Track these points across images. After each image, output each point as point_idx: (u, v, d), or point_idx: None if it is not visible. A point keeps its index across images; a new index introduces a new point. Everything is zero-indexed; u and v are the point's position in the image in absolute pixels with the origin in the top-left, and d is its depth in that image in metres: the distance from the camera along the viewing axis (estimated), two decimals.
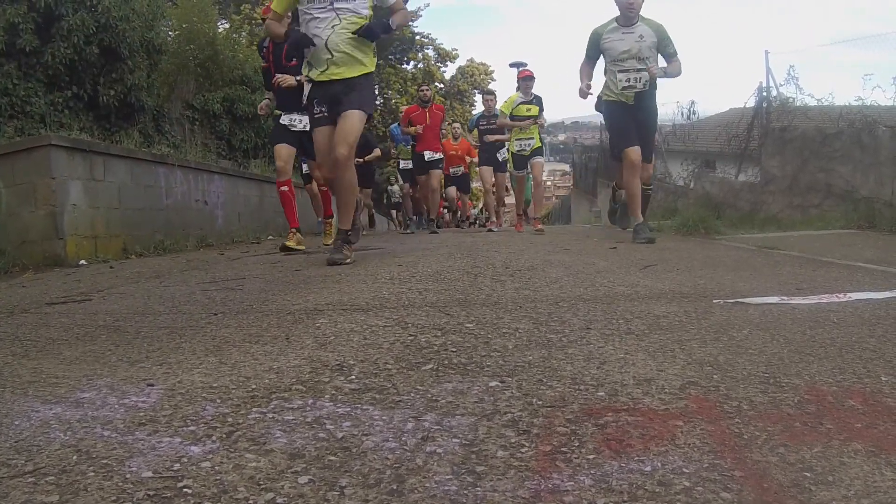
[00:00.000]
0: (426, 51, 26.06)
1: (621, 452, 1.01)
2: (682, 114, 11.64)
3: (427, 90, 8.49)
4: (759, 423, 1.12)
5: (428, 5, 51.89)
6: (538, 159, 7.36)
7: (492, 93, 8.86)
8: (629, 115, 4.98)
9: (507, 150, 7.46)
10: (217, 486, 0.93)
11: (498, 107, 8.19)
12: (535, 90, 8.37)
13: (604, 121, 7.02)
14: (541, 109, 7.29)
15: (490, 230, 7.70)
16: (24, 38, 5.79)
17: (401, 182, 10.78)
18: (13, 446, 1.10)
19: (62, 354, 1.79)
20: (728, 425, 1.11)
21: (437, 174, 8.49)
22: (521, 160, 7.29)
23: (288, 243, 4.91)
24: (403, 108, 25.69)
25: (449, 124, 10.59)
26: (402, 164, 10.13)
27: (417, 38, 25.49)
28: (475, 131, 8.91)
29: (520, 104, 7.15)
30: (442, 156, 8.58)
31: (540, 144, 7.34)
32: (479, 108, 11.14)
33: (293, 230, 5.09)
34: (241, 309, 2.38)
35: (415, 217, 11.29)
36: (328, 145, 3.65)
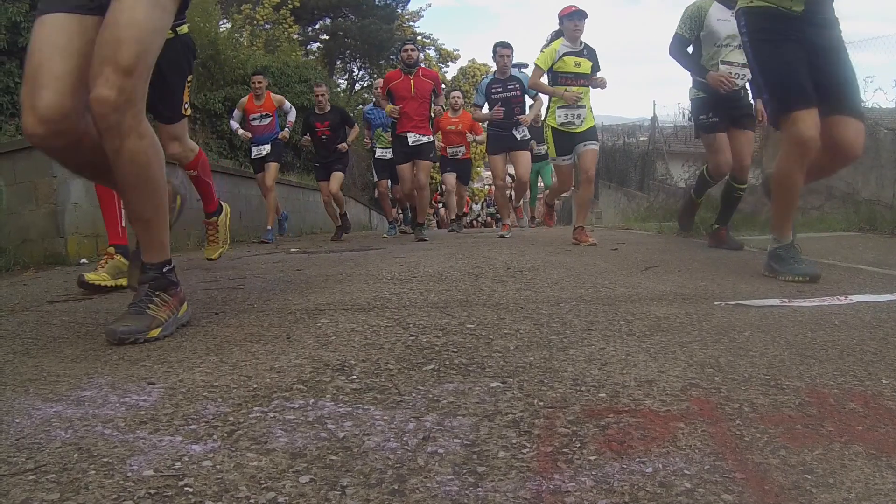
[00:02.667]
0: (427, 51, 26.09)
1: (622, 454, 1.01)
2: (684, 115, 11.66)
3: (413, 50, 6.19)
4: (761, 424, 1.12)
5: (429, 6, 51.93)
6: (593, 146, 4.91)
7: (508, 46, 6.19)
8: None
9: (546, 124, 5.07)
10: (218, 484, 0.93)
11: (528, 70, 5.88)
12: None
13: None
14: (595, 65, 4.90)
15: (501, 235, 6.08)
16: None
17: (375, 178, 8.26)
18: (14, 444, 1.10)
19: (63, 353, 1.79)
20: (729, 427, 1.11)
21: (426, 166, 6.24)
22: (566, 140, 4.89)
23: (89, 276, 2.91)
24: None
25: (448, 93, 8.29)
26: (379, 154, 7.77)
27: (419, 38, 25.51)
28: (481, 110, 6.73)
29: (565, 56, 4.80)
30: (432, 139, 6.33)
31: (594, 122, 4.98)
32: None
33: (110, 250, 3.10)
34: (242, 308, 2.38)
35: (400, 214, 9.14)
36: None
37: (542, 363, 1.51)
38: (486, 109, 6.48)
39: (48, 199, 4.60)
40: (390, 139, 6.85)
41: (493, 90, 6.20)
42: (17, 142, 4.82)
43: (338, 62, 22.70)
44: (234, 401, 1.30)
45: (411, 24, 24.91)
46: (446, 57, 26.33)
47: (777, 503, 0.85)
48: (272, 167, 6.97)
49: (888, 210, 5.66)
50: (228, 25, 13.61)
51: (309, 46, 21.31)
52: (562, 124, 4.85)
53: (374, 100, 8.26)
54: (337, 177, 7.22)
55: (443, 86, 8.34)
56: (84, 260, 4.59)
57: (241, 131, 6.96)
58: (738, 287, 2.57)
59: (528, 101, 6.35)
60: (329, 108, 7.22)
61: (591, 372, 1.43)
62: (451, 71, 26.45)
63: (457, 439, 1.08)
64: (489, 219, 20.95)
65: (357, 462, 1.00)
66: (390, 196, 8.11)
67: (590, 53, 4.91)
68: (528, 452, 1.02)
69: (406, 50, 6.23)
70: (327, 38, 22.29)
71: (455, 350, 1.65)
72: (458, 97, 8.31)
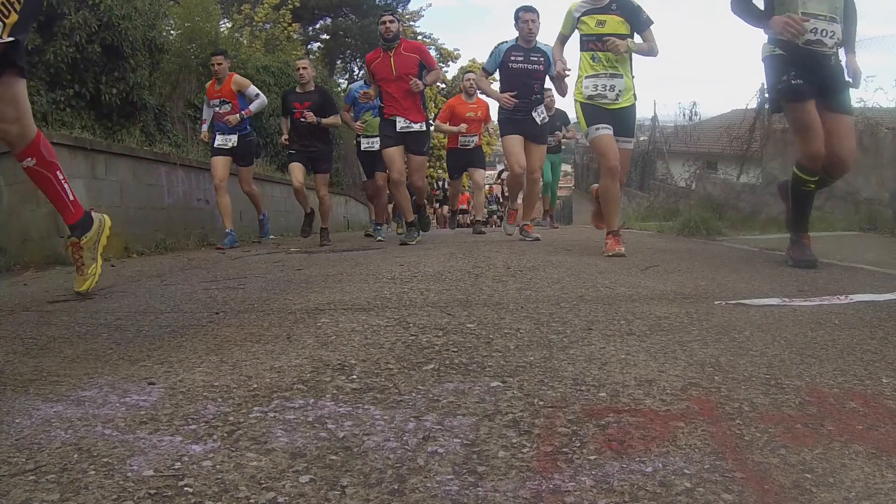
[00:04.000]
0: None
1: (622, 453, 1.01)
2: (684, 115, 11.66)
3: (391, 21, 5.13)
4: (761, 424, 1.12)
5: (430, 5, 51.94)
6: (626, 145, 4.02)
7: (533, 10, 5.03)
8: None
9: (577, 96, 3.93)
10: (218, 484, 0.93)
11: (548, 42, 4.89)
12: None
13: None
14: (637, 25, 3.88)
15: (524, 237, 5.33)
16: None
17: (363, 176, 6.94)
18: (14, 444, 1.10)
19: (63, 353, 1.79)
20: (729, 426, 1.11)
21: (419, 164, 5.39)
22: (598, 114, 3.79)
23: (81, 288, 2.77)
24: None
25: (464, 73, 7.34)
26: (365, 145, 6.43)
27: (419, 38, 25.52)
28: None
29: (588, 14, 3.84)
30: (425, 128, 5.22)
31: (634, 101, 3.95)
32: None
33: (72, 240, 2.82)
34: (242, 308, 2.38)
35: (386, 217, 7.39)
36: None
37: (542, 363, 1.51)
38: (495, 86, 5.44)
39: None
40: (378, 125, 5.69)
41: (513, 58, 4.98)
42: None
43: (338, 62, 22.69)
44: (234, 401, 1.30)
45: (412, 23, 24.91)
46: (447, 57, 26.32)
47: (777, 502, 0.85)
48: (244, 172, 6.09)
49: (888, 209, 5.65)
50: (229, 25, 13.61)
51: (309, 46, 21.30)
52: (590, 97, 3.82)
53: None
54: (323, 179, 6.20)
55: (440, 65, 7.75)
56: None
57: (204, 126, 6.09)
58: (737, 286, 2.57)
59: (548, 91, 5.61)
60: (313, 88, 6.09)
61: (591, 371, 1.43)
62: (451, 71, 26.45)
63: (457, 439, 1.08)
64: (493, 217, 20.73)
65: (357, 462, 1.00)
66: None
67: (623, 7, 3.80)
68: (528, 452, 1.02)
69: (383, 22, 5.12)
70: (328, 37, 22.29)
71: (455, 350, 1.65)
72: (472, 79, 7.03)
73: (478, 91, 6.83)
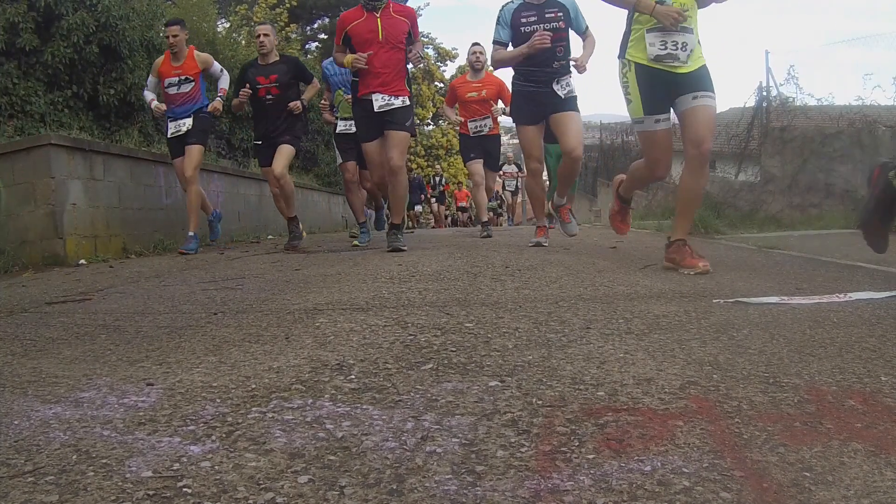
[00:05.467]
0: (426, 50, 26.10)
1: (621, 452, 1.01)
2: None
3: None
4: (759, 422, 1.12)
5: (428, 4, 51.94)
6: (708, 100, 2.93)
7: None
8: None
9: (625, 62, 2.97)
10: (217, 485, 0.93)
11: None
12: None
13: None
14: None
15: (537, 242, 4.44)
16: (24, 37, 5.78)
17: (339, 160, 5.85)
18: (13, 446, 1.10)
19: (62, 354, 1.79)
20: (728, 425, 1.11)
21: (400, 139, 4.23)
22: (662, 87, 2.94)
23: None
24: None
25: (470, 49, 6.03)
26: (341, 127, 5.50)
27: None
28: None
29: None
30: (407, 102, 4.27)
31: (705, 60, 3.00)
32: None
33: None
34: (240, 308, 2.38)
35: (370, 212, 6.79)
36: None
37: (540, 362, 1.51)
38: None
39: (47, 200, 4.59)
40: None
41: (524, 20, 4.00)
42: (16, 142, 4.82)
43: None
44: (233, 401, 1.30)
45: None
46: (445, 56, 26.31)
47: (776, 501, 0.85)
48: (194, 151, 5.10)
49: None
50: (227, 25, 13.59)
51: (308, 46, 21.29)
52: (656, 58, 2.86)
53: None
54: (284, 152, 5.03)
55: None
56: (83, 261, 4.59)
57: (154, 103, 5.18)
58: (736, 285, 2.57)
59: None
60: (277, 58, 5.13)
61: (589, 370, 1.43)
62: (449, 70, 26.44)
63: (455, 438, 1.08)
64: (491, 215, 20.35)
65: (355, 462, 1.00)
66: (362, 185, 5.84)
67: None
68: (527, 451, 1.02)
69: None
70: (326, 37, 22.27)
71: (454, 349, 1.65)
72: (481, 53, 5.98)
73: (491, 67, 5.48)
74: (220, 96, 5.22)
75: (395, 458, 1.01)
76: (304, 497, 0.89)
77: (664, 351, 1.59)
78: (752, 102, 8.35)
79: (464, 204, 20.44)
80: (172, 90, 5.14)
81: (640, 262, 3.41)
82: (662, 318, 1.96)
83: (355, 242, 5.49)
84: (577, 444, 1.04)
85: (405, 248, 4.35)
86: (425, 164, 18.96)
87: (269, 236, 7.31)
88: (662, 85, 2.92)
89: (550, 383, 1.35)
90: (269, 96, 4.98)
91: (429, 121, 26.79)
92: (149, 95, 5.27)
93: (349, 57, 4.22)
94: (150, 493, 0.91)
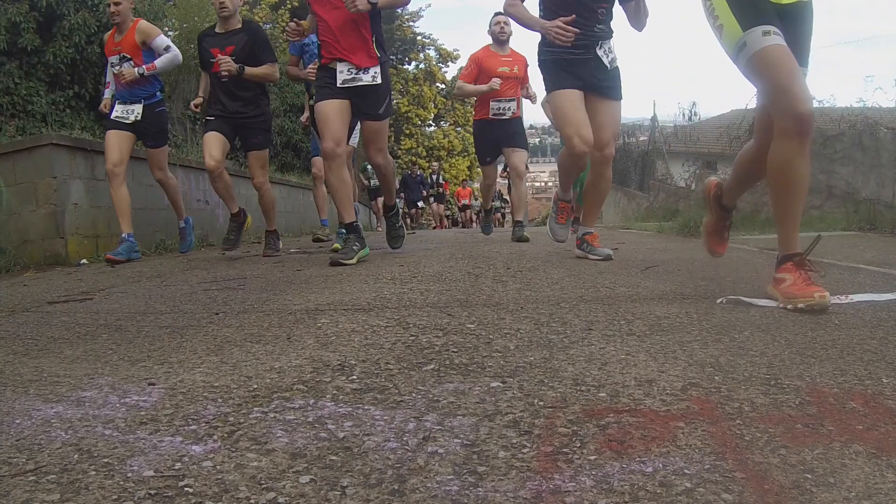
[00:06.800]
0: (427, 51, 26.11)
1: (623, 453, 1.01)
2: (684, 115, 11.66)
3: None
4: (761, 424, 1.12)
5: (429, 5, 52.03)
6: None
7: None
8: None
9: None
10: (218, 485, 0.93)
11: None
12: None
13: None
14: None
15: (586, 252, 3.56)
16: (26, 37, 5.80)
17: (314, 153, 5.45)
18: (14, 445, 1.10)
19: (63, 353, 1.79)
20: (729, 427, 1.11)
21: (376, 131, 3.68)
22: (760, 5, 2.11)
23: None
24: (405, 108, 25.70)
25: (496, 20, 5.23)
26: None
27: (419, 38, 25.53)
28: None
29: None
30: (380, 77, 3.53)
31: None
32: None
33: None
34: (242, 308, 2.38)
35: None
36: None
37: (542, 363, 1.51)
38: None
39: (48, 200, 4.60)
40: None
41: None
42: (17, 142, 4.83)
43: None
44: (235, 401, 1.30)
45: (411, 24, 24.92)
46: (446, 57, 26.34)
47: (777, 502, 0.85)
48: (158, 154, 4.62)
49: (888, 209, 5.66)
50: None
51: None
52: None
53: None
54: (258, 158, 4.43)
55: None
56: (84, 261, 4.59)
57: (106, 92, 4.62)
58: (738, 286, 2.57)
59: None
60: (239, 25, 4.31)
61: (591, 372, 1.43)
62: (451, 71, 26.46)
63: (457, 439, 1.08)
64: (497, 215, 20.02)
65: (357, 462, 1.00)
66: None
67: None
68: (529, 452, 1.02)
69: None
70: None
71: (455, 350, 1.65)
72: (506, 23, 5.20)
73: (510, 32, 4.94)
74: (140, 67, 4.33)
75: (397, 458, 1.01)
76: (306, 497, 0.89)
77: (666, 352, 1.59)
78: (753, 104, 8.34)
79: (466, 202, 20.33)
80: (115, 69, 4.44)
81: (641, 263, 3.41)
82: (664, 319, 1.96)
83: (336, 245, 4.54)
84: (578, 445, 1.04)
85: (353, 261, 3.58)
86: (426, 164, 18.93)
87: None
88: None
89: (552, 384, 1.35)
90: (225, 75, 4.16)
91: (430, 121, 26.79)
92: (107, 93, 4.63)
93: (307, 20, 3.64)
94: (152, 492, 0.91)
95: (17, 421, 1.23)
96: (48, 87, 5.93)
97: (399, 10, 23.97)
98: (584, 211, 3.73)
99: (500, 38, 5.24)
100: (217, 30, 4.34)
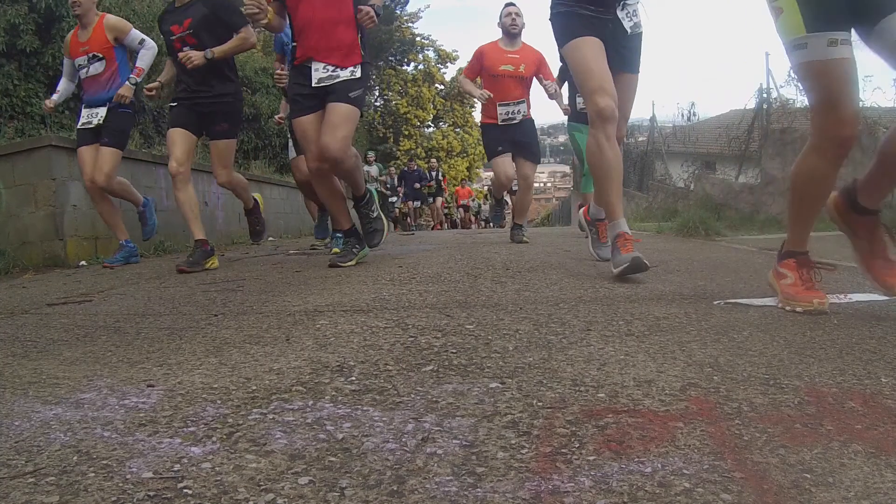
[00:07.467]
0: (426, 52, 26.12)
1: (621, 454, 1.01)
2: (683, 115, 11.66)
3: None
4: (760, 424, 1.12)
5: (428, 7, 52.09)
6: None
7: None
8: None
9: None
10: (217, 486, 0.93)
11: None
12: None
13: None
14: None
15: (632, 263, 2.66)
16: (25, 39, 5.80)
17: (291, 154, 4.89)
18: (13, 447, 1.10)
19: (62, 355, 1.79)
20: (728, 427, 1.11)
21: (343, 113, 3.20)
22: None
23: None
24: (404, 109, 25.74)
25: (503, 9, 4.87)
26: None
27: (418, 39, 25.54)
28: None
29: None
30: (358, 73, 3.27)
31: None
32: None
33: None
34: (241, 310, 2.38)
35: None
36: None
37: (540, 363, 1.51)
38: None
39: (47, 202, 4.60)
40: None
41: None
42: (16, 144, 4.83)
43: None
44: (233, 402, 1.30)
45: (410, 25, 24.93)
46: (445, 58, 26.34)
47: (776, 502, 0.85)
48: (106, 155, 4.13)
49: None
50: None
51: None
52: None
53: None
54: (221, 150, 3.89)
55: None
56: (83, 262, 4.59)
57: (54, 97, 4.35)
58: (737, 287, 2.57)
59: None
60: None
61: (589, 372, 1.43)
62: (449, 72, 26.47)
63: (456, 440, 1.08)
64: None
65: (356, 463, 1.00)
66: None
67: None
68: (527, 453, 1.02)
69: None
70: None
71: (454, 351, 1.65)
72: (518, 14, 4.82)
73: (522, 25, 4.48)
74: (130, 77, 4.10)
75: (396, 459, 1.01)
76: (305, 498, 0.89)
77: (665, 353, 1.59)
78: (752, 104, 8.36)
79: (466, 202, 20.24)
80: (83, 73, 4.15)
81: None
82: (663, 319, 1.96)
83: (334, 249, 4.37)
84: (577, 445, 1.04)
85: (352, 262, 3.45)
86: (425, 164, 18.92)
87: (270, 238, 7.31)
88: None
89: (551, 385, 1.35)
90: (186, 48, 3.69)
91: (429, 122, 26.81)
92: (63, 83, 4.35)
93: (270, 8, 3.25)
94: (151, 493, 0.91)
95: (17, 423, 1.23)
96: (47, 89, 5.93)
97: (398, 11, 23.96)
98: (596, 193, 3.24)
99: (510, 32, 4.80)
100: (175, 4, 3.88)
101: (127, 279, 3.57)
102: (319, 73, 3.20)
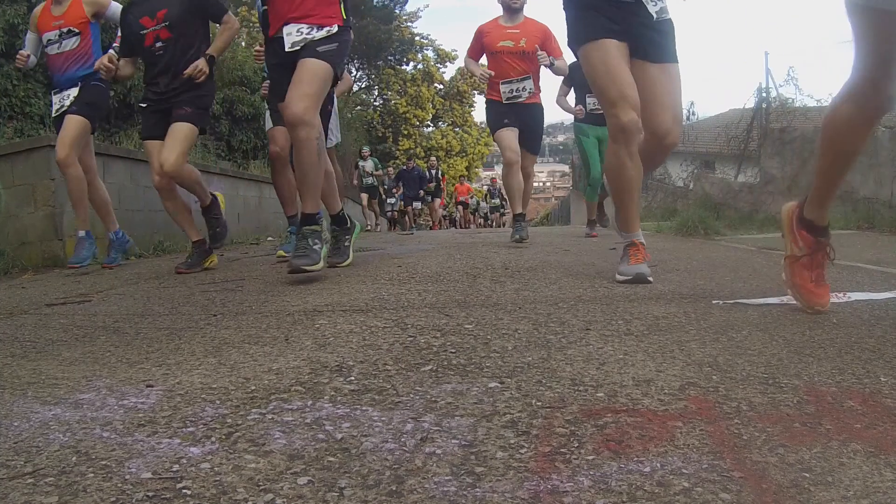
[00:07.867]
0: (425, 52, 26.12)
1: (620, 453, 1.01)
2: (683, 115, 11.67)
3: None
4: (759, 423, 1.12)
5: (427, 6, 52.08)
6: None
7: None
8: None
9: None
10: (216, 487, 0.93)
11: None
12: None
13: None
14: None
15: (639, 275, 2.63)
16: (24, 38, 5.79)
17: (268, 125, 4.33)
18: (12, 447, 1.10)
19: (61, 355, 1.79)
20: (727, 426, 1.11)
21: (310, 71, 2.75)
22: None
23: None
24: (403, 109, 25.71)
25: None
26: None
27: (417, 38, 25.53)
28: None
29: None
30: (334, 30, 2.84)
31: None
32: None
33: None
34: (240, 310, 2.38)
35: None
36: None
37: (540, 363, 1.51)
38: None
39: (47, 202, 4.60)
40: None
41: None
42: (16, 144, 4.83)
43: None
44: (233, 403, 1.30)
45: (409, 24, 24.93)
46: (444, 57, 26.34)
47: (775, 502, 0.85)
48: (71, 123, 3.74)
49: (886, 208, 5.67)
50: None
51: None
52: None
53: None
54: (180, 135, 3.45)
55: None
56: None
57: (25, 51, 3.91)
58: (735, 286, 2.58)
59: None
60: None
61: (589, 371, 1.43)
62: (448, 72, 26.48)
63: (455, 440, 1.08)
64: (495, 214, 19.67)
65: (355, 463, 1.00)
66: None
67: None
68: (526, 452, 1.02)
69: None
70: None
71: (453, 350, 1.65)
72: None
73: (524, 0, 4.19)
74: (113, 47, 3.76)
75: (395, 459, 1.01)
76: (304, 498, 0.89)
77: (664, 352, 1.59)
78: (751, 104, 8.38)
79: (465, 198, 20.13)
80: (53, 49, 3.76)
81: None
82: (662, 319, 1.96)
83: (280, 252, 4.14)
84: (576, 445, 1.04)
85: (313, 268, 2.90)
86: (424, 164, 18.91)
87: (269, 238, 7.31)
88: None
89: (550, 384, 1.35)
90: (160, 43, 3.37)
91: (428, 122, 26.81)
92: (29, 48, 3.94)
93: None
94: (150, 494, 0.91)
95: (16, 423, 1.23)
96: (46, 89, 5.93)
97: (397, 11, 23.93)
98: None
99: (512, 6, 4.52)
100: None
101: (126, 279, 3.56)
102: (293, 36, 2.80)
